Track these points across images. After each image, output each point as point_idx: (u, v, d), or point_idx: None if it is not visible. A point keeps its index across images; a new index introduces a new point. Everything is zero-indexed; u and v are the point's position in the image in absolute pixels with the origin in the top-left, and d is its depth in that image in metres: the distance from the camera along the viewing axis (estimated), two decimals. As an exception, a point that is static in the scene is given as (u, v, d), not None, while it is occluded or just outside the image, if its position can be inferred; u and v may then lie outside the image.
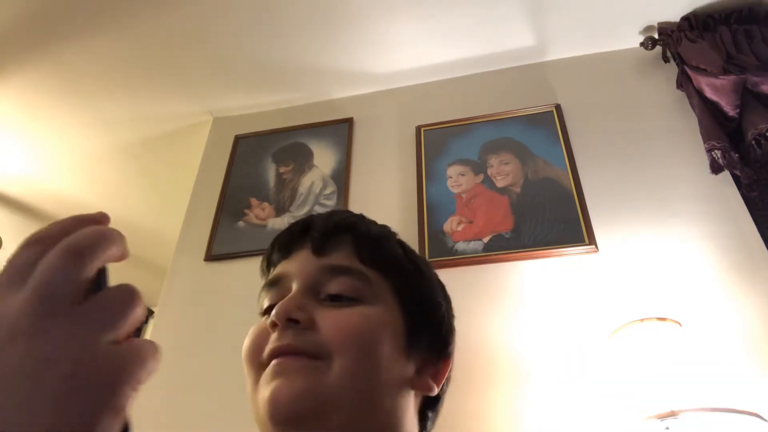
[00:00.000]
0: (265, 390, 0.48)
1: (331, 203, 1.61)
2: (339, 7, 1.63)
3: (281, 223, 1.61)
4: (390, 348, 0.53)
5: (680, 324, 1.02)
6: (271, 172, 1.75)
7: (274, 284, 0.57)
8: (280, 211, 1.64)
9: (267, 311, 0.56)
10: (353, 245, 0.58)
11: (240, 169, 1.78)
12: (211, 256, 1.57)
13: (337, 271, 0.55)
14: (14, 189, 2.25)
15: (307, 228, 0.60)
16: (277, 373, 0.49)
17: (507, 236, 1.39)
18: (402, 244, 0.63)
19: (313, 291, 0.54)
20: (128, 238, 0.40)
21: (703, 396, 0.88)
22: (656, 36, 1.65)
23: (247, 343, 0.54)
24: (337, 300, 0.54)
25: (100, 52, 1.75)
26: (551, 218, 1.40)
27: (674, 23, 1.64)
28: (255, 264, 1.66)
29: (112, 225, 0.35)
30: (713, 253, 1.26)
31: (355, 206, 1.57)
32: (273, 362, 0.49)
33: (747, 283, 1.20)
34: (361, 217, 0.63)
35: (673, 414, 0.86)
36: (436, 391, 0.58)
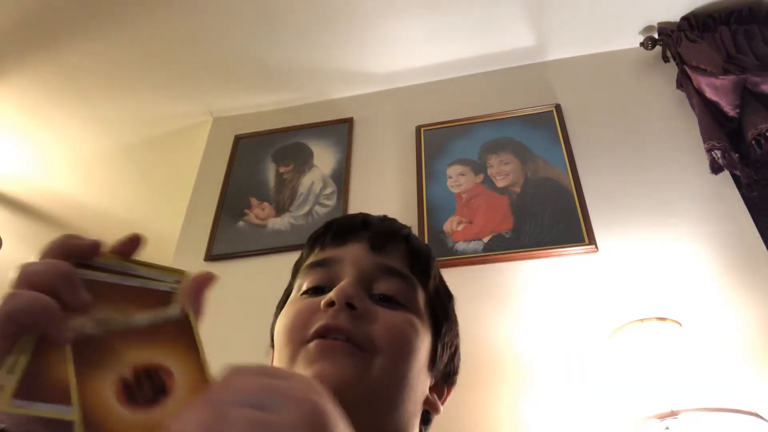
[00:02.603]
0: (307, 369, 0.48)
1: (331, 203, 1.61)
2: (339, 7, 1.63)
3: (281, 223, 1.61)
4: (422, 360, 0.55)
5: (680, 324, 1.02)
6: (271, 172, 1.75)
7: (321, 265, 0.58)
8: (280, 211, 1.64)
9: (309, 291, 0.56)
10: (407, 254, 0.60)
11: (240, 169, 1.78)
12: (211, 256, 1.57)
13: (391, 272, 0.57)
14: (14, 189, 2.24)
15: (365, 224, 0.61)
16: (322, 354, 0.49)
17: (507, 236, 1.39)
18: (437, 266, 0.65)
19: (366, 284, 0.55)
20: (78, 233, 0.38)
21: (703, 396, 0.88)
22: (656, 36, 1.65)
23: (290, 318, 0.54)
24: (386, 300, 0.55)
25: (100, 52, 1.75)
26: (551, 218, 1.40)
27: (674, 23, 1.64)
28: (255, 264, 1.67)
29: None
30: (713, 253, 1.26)
31: (355, 206, 1.57)
32: (318, 341, 0.49)
33: (747, 282, 1.20)
34: (411, 230, 0.66)
35: (673, 414, 0.86)
36: (441, 411, 0.60)
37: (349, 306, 0.51)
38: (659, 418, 0.87)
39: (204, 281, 0.36)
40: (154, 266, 0.35)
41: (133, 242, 0.35)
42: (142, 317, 0.32)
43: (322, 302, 0.51)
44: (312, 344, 0.50)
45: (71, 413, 0.27)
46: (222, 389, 0.27)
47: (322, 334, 0.50)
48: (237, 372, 0.28)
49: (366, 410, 0.48)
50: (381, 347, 0.50)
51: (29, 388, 0.28)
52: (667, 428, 0.89)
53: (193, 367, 0.31)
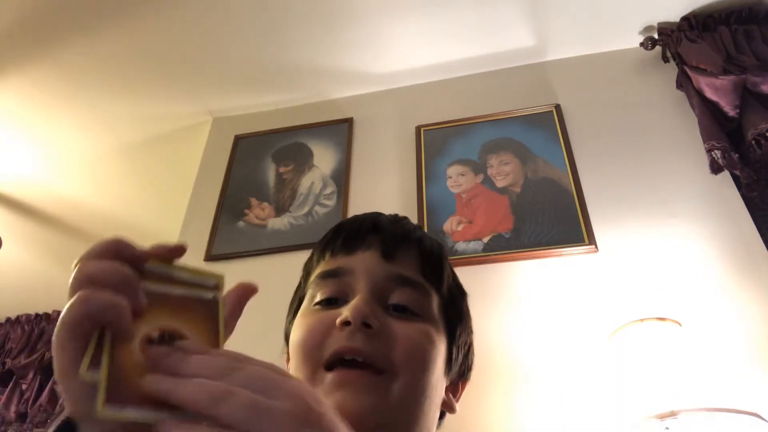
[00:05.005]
0: (326, 398, 0.48)
1: (331, 203, 1.61)
2: (339, 7, 1.63)
3: (281, 223, 1.61)
4: (440, 369, 0.55)
5: (680, 324, 1.02)
6: (271, 172, 1.75)
7: (333, 276, 0.57)
8: (280, 211, 1.64)
9: (322, 303, 0.56)
10: (419, 258, 0.59)
11: (240, 169, 1.78)
12: (212, 256, 1.57)
13: (405, 281, 0.56)
14: (14, 189, 2.24)
15: (375, 228, 0.60)
16: (341, 386, 0.49)
17: (507, 236, 1.39)
18: (450, 264, 0.64)
19: (379, 296, 0.54)
20: (129, 238, 0.40)
21: (703, 396, 0.88)
22: (656, 36, 1.65)
23: (305, 334, 0.53)
24: (400, 311, 0.54)
25: (101, 52, 1.75)
26: (551, 218, 1.40)
27: (674, 23, 1.64)
28: (255, 264, 1.67)
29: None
30: (713, 253, 1.26)
31: (355, 206, 1.57)
32: (336, 373, 0.49)
33: (747, 283, 1.20)
34: (423, 230, 0.65)
35: (673, 414, 0.86)
36: (457, 410, 0.60)
37: (365, 325, 0.50)
38: (659, 418, 0.87)
39: (245, 293, 0.38)
40: (193, 270, 0.37)
41: (177, 251, 0.38)
42: (180, 289, 0.36)
43: (338, 321, 0.51)
44: (330, 375, 0.49)
45: (154, 416, 0.30)
46: (234, 370, 0.30)
47: (339, 356, 0.50)
48: (249, 360, 0.31)
49: (388, 430, 0.49)
50: (400, 366, 0.50)
51: (117, 393, 0.30)
52: (667, 428, 0.89)
53: (210, 342, 0.34)
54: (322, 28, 1.70)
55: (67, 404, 0.32)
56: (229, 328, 0.38)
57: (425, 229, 1.43)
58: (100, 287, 0.31)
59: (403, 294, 0.55)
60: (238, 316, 0.38)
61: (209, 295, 0.37)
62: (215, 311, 0.36)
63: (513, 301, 1.29)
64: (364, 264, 0.56)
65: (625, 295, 1.23)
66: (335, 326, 0.51)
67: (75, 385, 0.31)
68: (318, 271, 0.59)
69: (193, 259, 1.58)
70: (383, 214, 0.64)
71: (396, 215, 0.65)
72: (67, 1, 1.61)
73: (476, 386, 1.17)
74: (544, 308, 1.26)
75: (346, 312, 0.51)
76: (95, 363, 0.30)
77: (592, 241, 1.33)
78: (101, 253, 0.34)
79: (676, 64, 1.57)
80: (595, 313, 1.21)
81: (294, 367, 0.54)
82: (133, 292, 0.33)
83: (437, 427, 0.60)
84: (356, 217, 0.63)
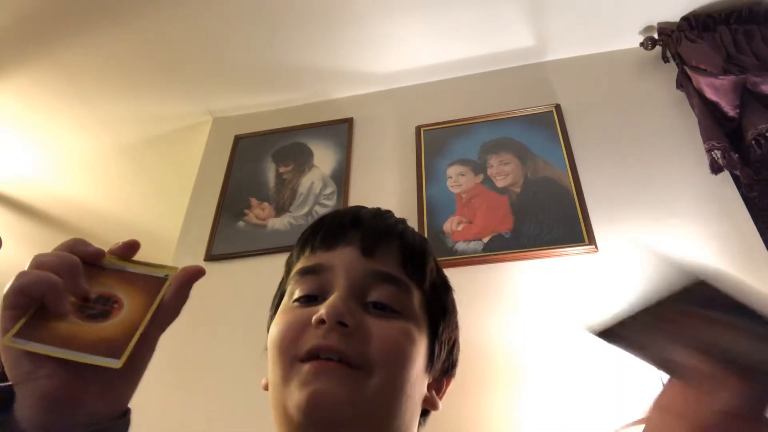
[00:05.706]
0: (302, 390, 0.48)
1: (331, 203, 1.61)
2: (339, 7, 1.63)
3: (281, 223, 1.61)
4: (420, 366, 0.54)
5: (680, 324, 1.02)
6: (271, 172, 1.75)
7: (312, 272, 0.56)
8: (280, 211, 1.64)
9: (301, 299, 0.55)
10: (400, 254, 0.57)
11: (240, 169, 1.78)
12: (211, 256, 1.57)
13: (384, 278, 0.55)
14: (14, 189, 2.25)
15: (355, 223, 0.58)
16: (316, 376, 0.48)
17: (507, 236, 1.39)
18: (434, 258, 0.63)
19: (358, 293, 0.53)
20: (128, 238, 0.41)
21: (702, 396, 0.88)
22: (656, 36, 1.65)
23: (281, 331, 0.53)
24: (380, 308, 0.53)
25: (100, 51, 1.75)
26: (551, 218, 1.40)
27: (674, 23, 1.64)
28: (255, 264, 1.67)
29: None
30: (713, 253, 1.26)
31: (355, 206, 1.57)
32: (312, 363, 0.49)
33: (747, 283, 1.20)
34: (406, 223, 0.63)
35: (672, 414, 0.86)
36: (440, 407, 0.59)
37: (341, 324, 0.50)
38: (659, 418, 0.87)
39: (194, 273, 0.40)
40: (149, 264, 0.41)
41: (131, 247, 0.41)
42: (136, 266, 0.40)
43: (313, 318, 0.50)
44: (306, 366, 0.49)
45: (59, 352, 0.33)
46: None
47: (314, 354, 0.49)
48: None
49: (364, 426, 0.48)
50: (376, 363, 0.49)
51: (29, 333, 0.34)
52: (667, 428, 0.89)
53: (140, 311, 0.38)
54: (322, 28, 1.70)
55: (6, 369, 0.35)
56: (174, 309, 0.40)
57: (425, 230, 1.44)
58: (38, 269, 0.36)
59: (383, 291, 0.54)
60: (183, 296, 0.40)
61: (160, 274, 0.40)
62: (160, 289, 0.40)
63: (513, 301, 1.29)
64: (343, 260, 0.55)
65: (625, 295, 1.22)
66: (311, 324, 0.51)
67: (7, 351, 0.34)
68: (298, 267, 0.58)
69: (193, 259, 1.59)
70: (365, 208, 0.62)
71: (378, 209, 0.64)
72: (67, 1, 1.61)
73: (476, 386, 1.17)
74: (544, 308, 1.26)
75: (322, 310, 0.50)
76: (23, 333, 0.34)
77: (592, 241, 1.33)
78: (57, 248, 0.38)
79: (676, 64, 1.57)
80: (594, 313, 1.21)
81: (270, 364, 0.53)
82: (71, 275, 0.36)
83: (421, 425, 0.59)
84: (337, 212, 0.62)
